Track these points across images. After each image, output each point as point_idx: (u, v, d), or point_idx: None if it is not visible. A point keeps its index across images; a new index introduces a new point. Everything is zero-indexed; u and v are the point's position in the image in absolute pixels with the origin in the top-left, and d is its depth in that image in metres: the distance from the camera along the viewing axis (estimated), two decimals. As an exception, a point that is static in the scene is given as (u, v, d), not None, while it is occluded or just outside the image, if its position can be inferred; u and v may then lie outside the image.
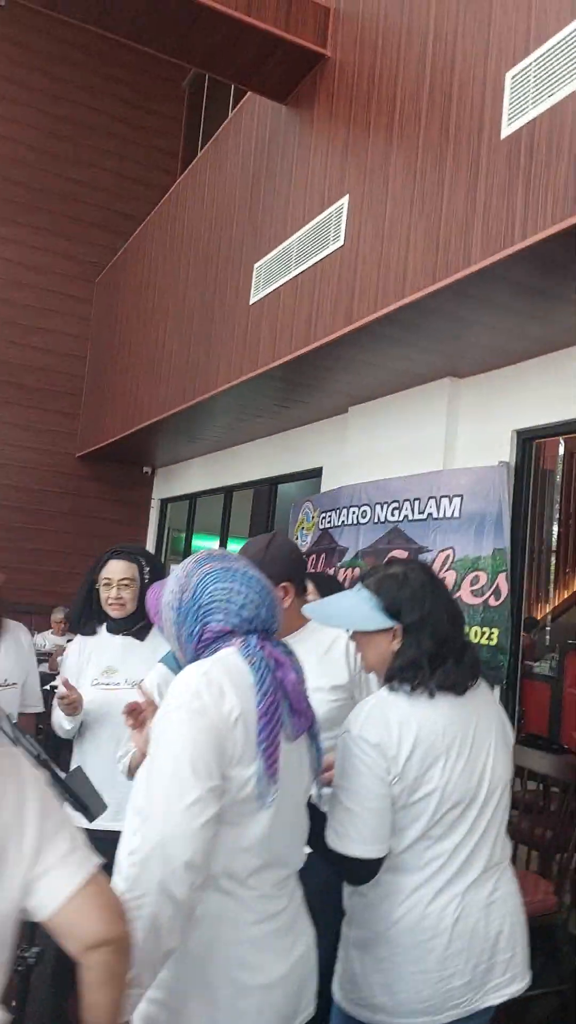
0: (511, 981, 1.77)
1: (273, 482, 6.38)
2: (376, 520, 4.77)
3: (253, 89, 4.75)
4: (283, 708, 1.49)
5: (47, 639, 6.68)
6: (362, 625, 1.79)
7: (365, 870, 1.66)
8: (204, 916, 1.40)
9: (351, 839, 1.63)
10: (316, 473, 5.73)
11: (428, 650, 1.72)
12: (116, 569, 2.75)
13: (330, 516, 5.23)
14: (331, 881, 1.81)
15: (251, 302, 4.80)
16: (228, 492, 7.10)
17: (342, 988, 1.76)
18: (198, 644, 1.54)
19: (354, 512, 4.98)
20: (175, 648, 1.61)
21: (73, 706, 2.67)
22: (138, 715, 1.73)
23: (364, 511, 4.88)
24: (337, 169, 4.08)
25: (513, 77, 2.89)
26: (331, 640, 2.19)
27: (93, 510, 8.67)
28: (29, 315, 8.46)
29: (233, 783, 1.40)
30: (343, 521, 5.07)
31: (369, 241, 3.72)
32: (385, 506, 4.70)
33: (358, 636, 1.83)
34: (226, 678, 1.44)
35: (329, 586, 2.85)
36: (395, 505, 4.62)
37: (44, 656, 5.74)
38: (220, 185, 5.64)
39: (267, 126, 4.93)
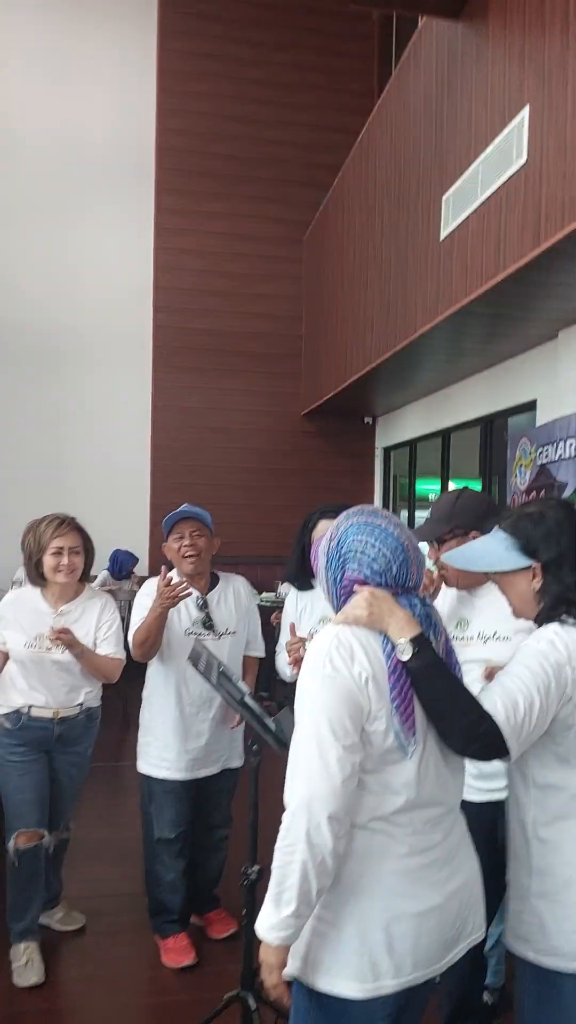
0: None
1: (487, 421, 6.17)
2: (594, 451, 4.46)
3: (426, 13, 4.53)
4: None
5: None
6: (499, 566, 1.77)
7: (494, 742, 1.54)
8: (354, 851, 1.50)
9: (497, 704, 1.54)
10: (530, 406, 5.46)
11: (572, 585, 1.68)
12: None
13: (547, 451, 4.96)
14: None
15: (441, 238, 4.64)
16: (445, 435, 6.97)
17: (527, 940, 1.70)
18: (339, 591, 1.64)
19: (571, 445, 4.68)
20: (326, 595, 1.70)
21: (296, 652, 2.90)
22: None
23: (582, 442, 4.58)
24: (516, 79, 3.79)
25: None
26: None
27: (320, 464, 8.96)
28: (247, 284, 8.79)
29: (373, 736, 1.48)
30: (560, 455, 4.79)
31: (552, 153, 3.44)
32: (603, 436, 4.38)
33: (499, 578, 1.80)
34: (355, 640, 1.52)
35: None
36: (613, 434, 4.29)
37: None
38: (404, 121, 5.46)
39: (445, 48, 4.68)
